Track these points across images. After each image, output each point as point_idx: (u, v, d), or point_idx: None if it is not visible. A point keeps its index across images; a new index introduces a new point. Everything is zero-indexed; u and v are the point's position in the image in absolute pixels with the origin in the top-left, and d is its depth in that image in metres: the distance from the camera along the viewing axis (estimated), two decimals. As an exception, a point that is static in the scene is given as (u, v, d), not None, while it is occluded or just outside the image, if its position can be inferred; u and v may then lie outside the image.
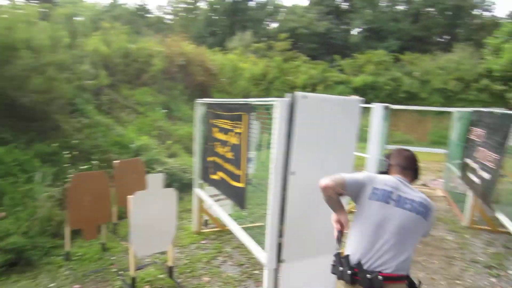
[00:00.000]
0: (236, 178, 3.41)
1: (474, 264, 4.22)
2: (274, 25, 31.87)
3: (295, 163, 2.56)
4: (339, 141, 2.75)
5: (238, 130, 3.38)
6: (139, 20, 25.02)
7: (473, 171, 5.21)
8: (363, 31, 29.08)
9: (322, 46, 27.83)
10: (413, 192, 2.06)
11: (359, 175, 2.13)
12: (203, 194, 4.59)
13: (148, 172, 4.73)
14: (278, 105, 2.52)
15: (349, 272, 1.92)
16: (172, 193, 3.50)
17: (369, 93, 18.06)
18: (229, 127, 3.63)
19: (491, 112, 4.71)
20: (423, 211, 2.00)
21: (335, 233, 2.12)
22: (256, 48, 23.28)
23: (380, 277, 1.86)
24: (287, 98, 2.53)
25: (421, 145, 14.32)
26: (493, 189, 4.25)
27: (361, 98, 2.84)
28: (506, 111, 4.47)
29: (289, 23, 28.71)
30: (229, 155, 3.62)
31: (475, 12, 29.34)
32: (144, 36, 14.61)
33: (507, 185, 4.59)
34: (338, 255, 2.03)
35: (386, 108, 6.11)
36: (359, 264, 1.93)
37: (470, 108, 6.73)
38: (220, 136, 3.94)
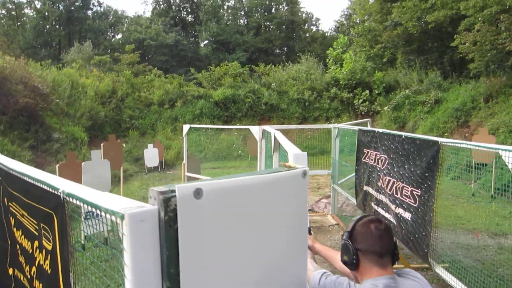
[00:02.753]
0: None
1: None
2: (118, 36, 29.04)
3: None
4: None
5: (46, 244, 1.58)
6: None
7: (382, 205, 4.45)
8: (211, 43, 29.10)
9: (173, 58, 26.65)
10: None
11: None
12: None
13: None
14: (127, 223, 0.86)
15: None
16: None
17: (231, 106, 17.37)
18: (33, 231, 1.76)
19: (400, 136, 3.98)
20: None
21: None
22: (99, 60, 20.22)
23: None
24: (150, 206, 0.91)
25: (291, 158, 14.22)
26: (426, 237, 3.44)
27: (305, 168, 1.43)
28: (424, 136, 3.76)
29: (134, 34, 26.43)
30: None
31: (306, 27, 32.81)
32: None
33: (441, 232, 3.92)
34: None
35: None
36: None
37: (353, 126, 6.20)
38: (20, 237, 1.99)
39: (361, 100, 16.75)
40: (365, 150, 5.06)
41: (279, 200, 1.29)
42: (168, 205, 0.90)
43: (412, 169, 3.68)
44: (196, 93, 17.88)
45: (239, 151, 14.97)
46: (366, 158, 5.03)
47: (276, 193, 1.28)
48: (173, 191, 0.93)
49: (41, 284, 1.69)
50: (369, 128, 5.75)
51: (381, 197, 4.46)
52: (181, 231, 0.91)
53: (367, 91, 16.75)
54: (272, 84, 18.13)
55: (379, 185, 4.49)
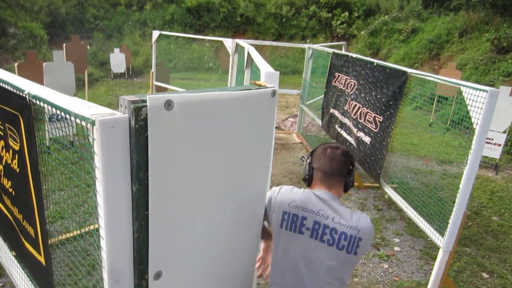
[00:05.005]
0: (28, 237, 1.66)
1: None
2: None
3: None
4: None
5: (12, 144, 1.57)
6: None
7: (345, 128, 4.65)
8: None
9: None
10: (337, 216, 1.48)
11: (271, 194, 1.57)
12: None
13: None
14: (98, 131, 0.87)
15: None
16: None
17: (204, 15, 16.37)
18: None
19: (372, 63, 4.01)
20: (348, 244, 1.44)
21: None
22: None
23: None
24: (120, 114, 0.92)
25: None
26: (380, 160, 3.70)
27: (274, 88, 1.47)
28: (395, 65, 3.80)
29: None
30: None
31: None
32: None
33: (395, 156, 4.18)
34: None
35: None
36: None
37: (328, 48, 6.12)
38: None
39: (339, 22, 16.26)
40: (336, 74, 5.10)
41: (247, 117, 1.33)
42: (139, 114, 0.92)
43: (379, 96, 3.81)
44: (167, -3, 16.54)
45: (210, 64, 14.57)
46: (336, 82, 5.09)
47: (245, 111, 1.31)
48: (144, 101, 0.94)
49: (9, 182, 1.72)
50: (343, 52, 5.72)
51: (346, 120, 4.65)
52: (151, 139, 0.94)
53: (347, 13, 16.19)
54: (250, -6, 17.02)
55: (345, 109, 4.64)
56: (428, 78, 3.13)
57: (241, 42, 5.11)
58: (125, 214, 0.95)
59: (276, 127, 6.48)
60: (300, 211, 1.49)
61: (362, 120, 4.12)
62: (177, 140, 1.04)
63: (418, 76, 3.34)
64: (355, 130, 4.29)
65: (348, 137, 4.56)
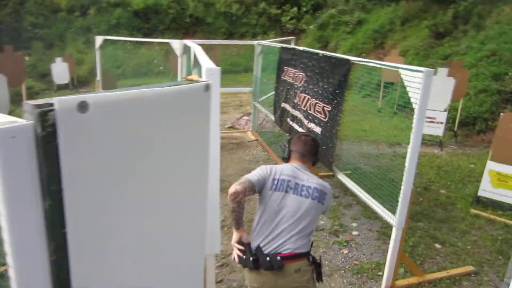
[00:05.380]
0: None
1: (320, 233, 3.81)
2: None
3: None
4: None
5: None
6: None
7: (297, 120, 4.71)
8: None
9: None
10: (310, 179, 2.14)
11: (261, 171, 2.13)
12: None
13: None
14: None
15: (251, 258, 1.98)
16: None
17: (152, 18, 15.98)
18: None
19: (317, 54, 4.08)
20: (318, 196, 2.10)
21: (236, 255, 2.09)
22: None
23: (278, 257, 1.94)
24: (22, 121, 0.84)
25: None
26: (332, 148, 3.77)
27: (208, 82, 1.42)
28: (338, 55, 3.89)
29: None
30: None
31: None
32: None
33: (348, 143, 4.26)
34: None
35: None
36: (258, 249, 2.00)
37: (277, 43, 6.17)
38: None
39: (288, 17, 16.50)
40: (285, 68, 5.15)
41: (178, 115, 1.26)
42: (46, 119, 0.84)
43: (325, 86, 3.88)
44: (112, 0, 15.96)
45: (160, 67, 14.25)
46: (285, 76, 5.14)
47: (175, 108, 1.24)
48: (52, 104, 0.86)
49: None
50: (290, 45, 5.78)
51: (296, 113, 4.70)
52: (63, 148, 0.86)
53: (296, 8, 16.46)
54: (197, -5, 16.83)
55: (296, 102, 4.69)
56: (370, 64, 3.23)
57: (188, 42, 5.02)
58: (37, 237, 0.86)
59: (230, 127, 6.49)
60: (286, 177, 2.10)
61: (312, 111, 4.18)
62: (96, 146, 0.96)
63: (360, 63, 3.44)
64: (306, 121, 4.35)
65: (300, 129, 4.62)
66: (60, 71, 10.99)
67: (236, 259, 2.07)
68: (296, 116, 4.72)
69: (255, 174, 2.10)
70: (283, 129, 5.38)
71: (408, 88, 2.59)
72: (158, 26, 15.98)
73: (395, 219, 2.82)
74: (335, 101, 3.72)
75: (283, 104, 5.23)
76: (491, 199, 4.36)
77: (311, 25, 15.44)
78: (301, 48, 4.68)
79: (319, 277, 2.07)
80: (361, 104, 8.41)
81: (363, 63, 3.43)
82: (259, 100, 6.98)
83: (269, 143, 6.55)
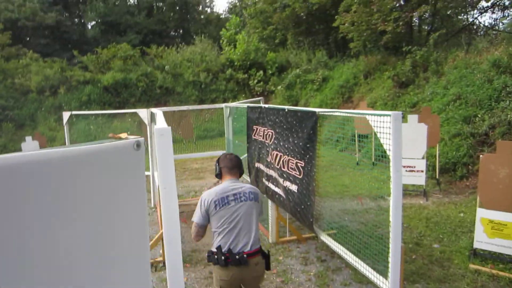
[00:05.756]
0: None
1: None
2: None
3: None
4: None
5: None
6: None
7: (272, 180, 4.42)
8: (99, 24, 26.32)
9: (55, 41, 23.50)
10: (242, 186, 2.68)
11: (199, 210, 2.56)
12: None
13: None
14: None
15: (222, 257, 2.48)
16: None
17: (122, 92, 16.10)
18: None
19: (283, 110, 3.93)
20: (254, 196, 2.65)
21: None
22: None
23: (245, 255, 2.49)
24: None
25: (190, 142, 13.79)
26: (310, 207, 3.45)
27: (138, 139, 1.13)
28: (304, 108, 3.74)
29: (5, 13, 22.53)
30: None
31: (200, 8, 31.95)
32: None
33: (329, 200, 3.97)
34: (211, 251, 2.57)
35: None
36: (229, 250, 2.50)
37: (243, 104, 6.09)
38: None
39: (256, 81, 16.98)
40: (254, 127, 4.98)
41: (104, 176, 0.97)
42: None
43: (296, 141, 3.67)
44: (82, 78, 16.08)
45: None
46: (256, 135, 4.94)
47: (99, 169, 0.95)
48: None
49: None
50: (256, 104, 5.68)
51: (271, 172, 4.43)
52: None
53: (261, 72, 17.03)
54: (166, 67, 17.26)
55: (269, 160, 4.44)
56: (336, 114, 3.06)
57: (154, 110, 4.85)
58: None
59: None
60: (222, 194, 2.55)
61: (286, 169, 3.92)
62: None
63: (326, 114, 3.27)
64: (281, 180, 4.07)
65: (276, 189, 4.32)
66: (30, 149, 10.50)
67: (207, 260, 2.62)
68: (271, 175, 4.44)
69: (197, 216, 2.57)
70: (259, 189, 5.05)
71: (379, 135, 2.40)
72: (129, 99, 16.06)
73: (388, 284, 2.45)
74: (307, 156, 3.48)
75: (256, 164, 4.97)
76: (488, 251, 3.96)
77: (279, 86, 15.88)
78: (266, 105, 4.55)
79: (268, 267, 2.66)
80: (339, 159, 8.30)
81: (329, 113, 3.27)
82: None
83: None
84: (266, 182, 4.62)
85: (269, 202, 4.67)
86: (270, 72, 17.05)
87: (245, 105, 5.50)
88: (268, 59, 17.40)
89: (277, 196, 4.28)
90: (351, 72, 12.97)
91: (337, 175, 7.29)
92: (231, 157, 2.81)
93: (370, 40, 12.63)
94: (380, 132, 2.33)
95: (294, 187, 3.77)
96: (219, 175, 2.77)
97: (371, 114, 2.43)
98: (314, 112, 3.33)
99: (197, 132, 14.33)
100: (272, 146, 4.29)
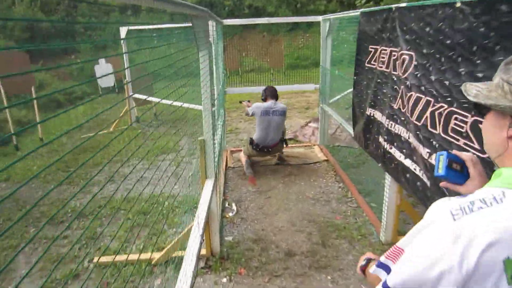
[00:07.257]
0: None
1: None
2: None
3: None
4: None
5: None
6: None
7: (401, 143, 2.47)
8: None
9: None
10: (278, 106, 4.29)
11: (254, 109, 4.33)
12: None
13: None
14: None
15: (255, 146, 4.32)
16: None
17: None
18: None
19: (453, 4, 1.82)
20: (283, 112, 4.31)
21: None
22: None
23: (270, 149, 4.37)
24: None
25: (279, 72, 11.93)
26: None
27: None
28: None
29: None
30: None
31: None
32: None
33: None
34: (251, 138, 4.40)
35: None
36: (261, 142, 4.31)
37: (353, 11, 3.88)
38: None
39: (364, 0, 13.84)
40: (371, 48, 2.96)
41: None
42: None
43: (474, 72, 1.63)
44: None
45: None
46: (373, 62, 2.94)
47: None
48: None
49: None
50: (378, 7, 3.41)
51: (400, 129, 2.48)
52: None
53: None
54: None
55: (397, 107, 2.48)
56: None
57: (229, 21, 3.11)
58: None
59: (292, 138, 4.10)
60: (267, 108, 4.26)
61: (439, 130, 1.95)
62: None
63: None
64: (421, 148, 2.12)
65: (407, 162, 2.39)
66: (103, 72, 9.86)
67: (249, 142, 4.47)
68: (400, 136, 2.49)
69: (252, 110, 4.36)
70: (371, 153, 3.13)
71: None
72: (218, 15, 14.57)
73: None
74: None
75: (369, 111, 3.03)
76: None
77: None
78: (403, 4, 2.43)
79: (284, 144, 4.54)
80: None
81: None
82: (330, 101, 4.81)
83: (346, 167, 4.35)
84: (386, 145, 2.69)
85: (386, 177, 2.78)
86: (383, -13, 13.67)
87: (357, 12, 3.39)
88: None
89: (407, 174, 2.37)
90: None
91: None
92: (272, 88, 4.47)
93: None
94: None
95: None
96: (264, 99, 4.43)
97: None
98: None
99: (288, 61, 12.33)
100: (407, 82, 2.29)
